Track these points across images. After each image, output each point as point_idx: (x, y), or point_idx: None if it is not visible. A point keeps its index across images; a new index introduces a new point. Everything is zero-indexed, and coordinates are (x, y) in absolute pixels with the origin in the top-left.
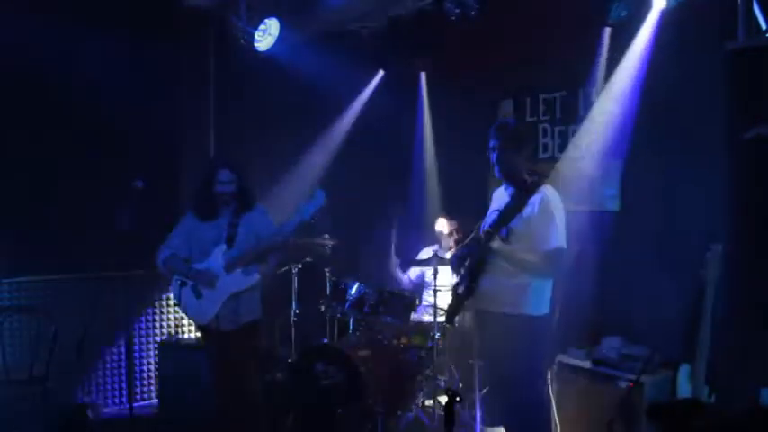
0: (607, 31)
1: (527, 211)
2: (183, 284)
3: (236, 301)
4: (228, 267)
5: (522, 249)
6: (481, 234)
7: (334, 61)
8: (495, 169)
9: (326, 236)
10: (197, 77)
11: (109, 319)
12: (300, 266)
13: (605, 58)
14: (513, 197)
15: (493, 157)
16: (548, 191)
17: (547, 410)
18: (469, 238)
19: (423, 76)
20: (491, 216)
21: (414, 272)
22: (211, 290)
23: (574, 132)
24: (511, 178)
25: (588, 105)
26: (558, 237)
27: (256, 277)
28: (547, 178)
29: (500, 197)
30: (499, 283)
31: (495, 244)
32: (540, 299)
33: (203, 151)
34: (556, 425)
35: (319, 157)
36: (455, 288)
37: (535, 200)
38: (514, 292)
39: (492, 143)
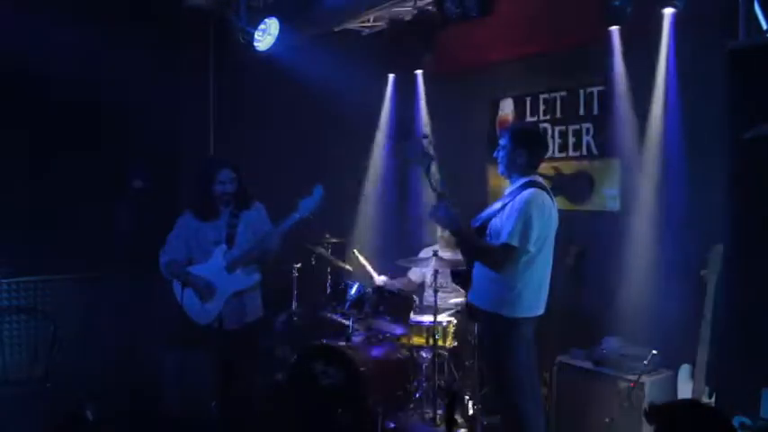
0: (615, 30)
1: (507, 206)
2: (185, 284)
3: (239, 301)
4: (230, 267)
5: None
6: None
7: (335, 61)
8: (500, 167)
9: (327, 235)
10: (197, 77)
11: (108, 318)
12: (300, 266)
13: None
14: (506, 201)
15: (499, 154)
16: (532, 193)
17: (532, 419)
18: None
19: (419, 75)
20: (485, 215)
21: (414, 272)
22: (213, 293)
23: (574, 132)
24: (511, 176)
25: (589, 105)
26: (512, 233)
27: (257, 276)
28: (549, 179)
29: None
30: (483, 278)
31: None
32: (524, 302)
33: (203, 151)
34: (556, 424)
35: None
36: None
37: (518, 196)
38: (497, 292)
39: (502, 141)
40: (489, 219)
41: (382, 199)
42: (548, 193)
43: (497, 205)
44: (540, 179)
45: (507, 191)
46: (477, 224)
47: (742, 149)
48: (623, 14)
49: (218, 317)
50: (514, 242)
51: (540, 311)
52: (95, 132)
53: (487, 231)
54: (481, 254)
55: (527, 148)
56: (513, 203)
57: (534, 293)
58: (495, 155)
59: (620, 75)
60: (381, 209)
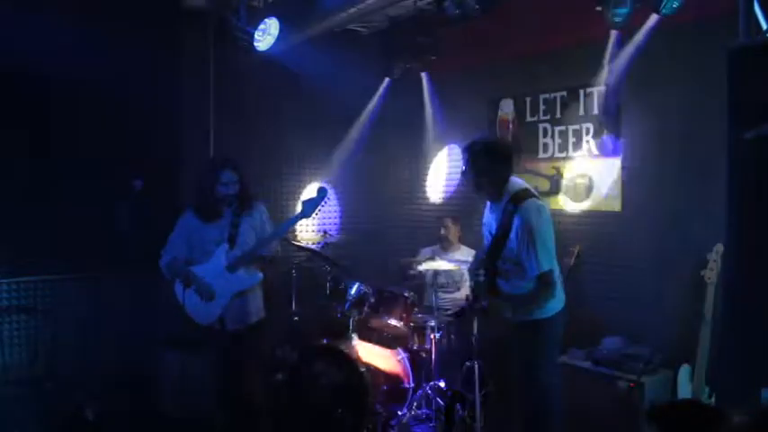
0: (613, 33)
1: (511, 236)
2: (186, 285)
3: (242, 301)
4: (232, 267)
5: (517, 284)
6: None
7: (334, 61)
8: (472, 188)
9: (328, 235)
10: (197, 77)
11: (108, 318)
12: (300, 266)
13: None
14: (498, 223)
15: (466, 177)
16: (529, 209)
17: (555, 415)
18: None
19: (425, 76)
20: (486, 240)
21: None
22: (214, 293)
23: (574, 132)
24: (489, 196)
25: (589, 105)
26: (540, 261)
27: (259, 276)
28: (549, 179)
29: (488, 214)
30: (509, 291)
31: (498, 301)
32: (551, 302)
33: (203, 151)
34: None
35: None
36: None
37: (515, 224)
38: None
39: (464, 166)
40: (493, 239)
41: (384, 199)
42: (535, 197)
43: (493, 223)
44: (519, 183)
45: (492, 204)
46: (488, 242)
47: (742, 149)
48: (624, 18)
49: (219, 317)
50: (547, 267)
51: (564, 300)
52: (95, 132)
53: (502, 255)
54: (534, 302)
55: (491, 173)
56: (519, 227)
57: (558, 289)
58: (462, 176)
59: (620, 75)
60: (383, 209)
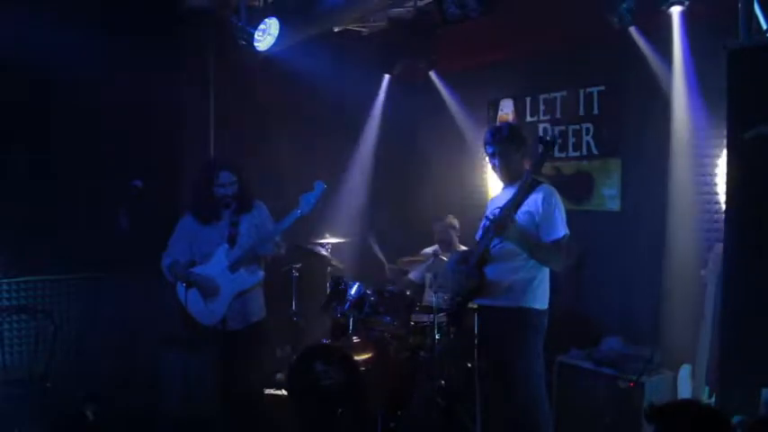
0: (616, 31)
1: (530, 205)
2: (189, 286)
3: (242, 300)
4: (233, 267)
5: (504, 267)
6: (493, 217)
7: (335, 61)
8: (497, 173)
9: (327, 235)
10: (197, 77)
11: (109, 318)
12: (300, 266)
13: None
14: (515, 193)
15: (493, 162)
16: (548, 188)
17: (546, 412)
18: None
19: (434, 74)
20: (492, 213)
21: (414, 272)
22: (217, 293)
23: (574, 132)
24: (513, 178)
25: (589, 105)
26: (564, 225)
27: (261, 275)
28: (549, 179)
29: (498, 200)
30: (503, 276)
31: (515, 226)
32: (542, 293)
33: (203, 151)
34: (556, 424)
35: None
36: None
37: (537, 195)
38: (519, 285)
39: (490, 149)
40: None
41: (384, 199)
42: None
43: (502, 203)
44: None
45: (508, 187)
46: (487, 223)
47: (742, 149)
48: (630, 16)
49: (222, 318)
50: (567, 232)
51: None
52: (95, 132)
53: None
54: (544, 249)
55: (521, 153)
56: (537, 200)
57: (548, 284)
58: (491, 164)
59: (619, 74)
60: (382, 209)
